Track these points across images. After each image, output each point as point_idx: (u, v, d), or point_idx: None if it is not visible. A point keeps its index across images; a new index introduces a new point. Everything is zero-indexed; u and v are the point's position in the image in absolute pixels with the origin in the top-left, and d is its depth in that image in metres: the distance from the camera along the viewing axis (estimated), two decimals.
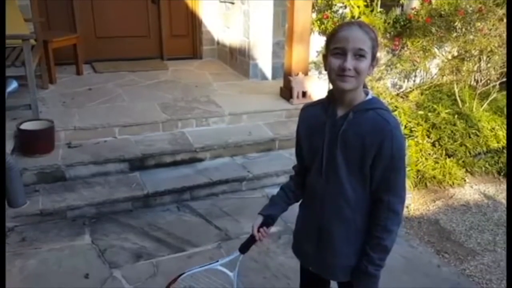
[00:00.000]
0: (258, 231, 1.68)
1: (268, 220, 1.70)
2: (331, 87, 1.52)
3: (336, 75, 1.42)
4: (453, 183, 4.34)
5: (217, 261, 1.80)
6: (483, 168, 4.65)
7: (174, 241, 3.02)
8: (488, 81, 5.55)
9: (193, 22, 6.15)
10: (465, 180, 4.47)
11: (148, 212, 3.34)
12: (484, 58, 5.49)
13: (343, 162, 1.49)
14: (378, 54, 1.46)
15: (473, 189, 4.36)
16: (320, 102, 1.61)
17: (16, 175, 3.06)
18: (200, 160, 3.86)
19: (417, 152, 4.44)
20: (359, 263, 1.54)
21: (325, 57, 1.49)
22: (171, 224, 3.21)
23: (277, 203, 1.75)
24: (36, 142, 3.51)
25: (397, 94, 5.66)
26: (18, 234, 2.98)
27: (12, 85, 3.07)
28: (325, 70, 1.49)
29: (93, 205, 3.25)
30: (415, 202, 4.03)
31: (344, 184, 1.50)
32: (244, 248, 1.75)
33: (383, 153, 1.43)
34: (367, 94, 1.51)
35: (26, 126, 3.51)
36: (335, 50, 1.42)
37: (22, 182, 3.15)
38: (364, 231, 1.54)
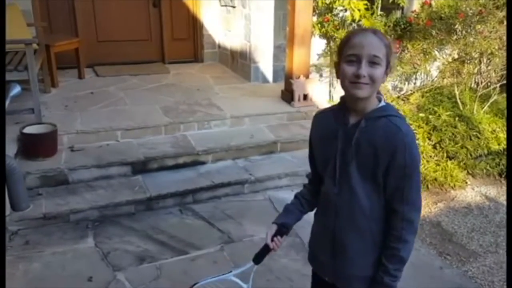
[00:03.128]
0: (272, 240, 1.65)
1: (282, 229, 1.67)
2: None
3: (350, 82, 1.39)
4: (454, 185, 4.35)
5: (231, 271, 1.76)
6: (484, 170, 4.66)
7: (177, 244, 3.03)
8: (489, 83, 5.56)
9: (194, 25, 6.17)
10: (466, 182, 4.48)
11: (151, 215, 3.35)
12: (485, 60, 5.51)
13: (356, 170, 1.46)
14: (392, 61, 1.43)
15: (474, 191, 4.37)
16: (332, 109, 1.59)
17: (19, 179, 3.07)
18: (202, 163, 3.87)
19: None
20: (375, 274, 1.51)
21: (337, 64, 1.46)
22: (174, 227, 3.22)
23: (292, 212, 1.71)
24: (39, 146, 3.52)
25: (398, 97, 5.68)
26: (21, 238, 2.99)
27: (15, 90, 3.09)
28: (337, 78, 1.46)
29: (96, 208, 3.26)
30: None
31: (358, 192, 1.47)
32: (258, 259, 1.71)
33: (396, 161, 1.40)
34: (380, 100, 1.48)
35: (29, 130, 3.52)
36: (349, 57, 1.39)
37: (25, 186, 3.16)
38: (381, 240, 1.51)
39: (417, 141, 4.50)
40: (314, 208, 1.72)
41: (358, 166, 1.45)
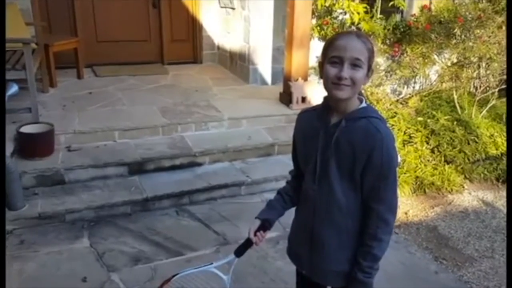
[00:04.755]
0: (255, 235, 1.69)
1: (265, 224, 1.71)
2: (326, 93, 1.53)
3: (332, 83, 1.44)
4: (451, 190, 4.34)
5: (212, 263, 1.80)
6: (482, 175, 4.65)
7: (173, 245, 3.02)
8: (487, 88, 5.57)
9: (194, 27, 6.18)
10: (463, 187, 4.47)
11: (147, 216, 3.35)
12: (483, 65, 5.51)
13: (336, 168, 1.51)
14: (373, 65, 1.49)
15: (471, 196, 4.36)
16: (316, 108, 1.64)
17: (15, 178, 3.07)
18: (199, 164, 3.87)
19: (416, 158, 4.45)
20: (351, 270, 1.55)
21: (321, 64, 1.51)
22: (170, 228, 3.22)
23: (274, 207, 1.76)
24: (36, 145, 3.52)
25: (397, 100, 5.68)
26: (16, 237, 2.98)
27: (13, 89, 3.08)
28: (320, 77, 1.51)
29: (92, 208, 3.26)
30: (413, 208, 4.04)
31: (336, 190, 1.52)
32: (239, 252, 1.75)
33: (373, 161, 1.44)
34: (361, 101, 1.53)
35: (26, 129, 3.52)
36: (332, 58, 1.43)
37: (21, 185, 3.16)
38: (357, 237, 1.55)
39: (415, 145, 4.51)
40: (296, 204, 1.77)
41: (337, 164, 1.51)
